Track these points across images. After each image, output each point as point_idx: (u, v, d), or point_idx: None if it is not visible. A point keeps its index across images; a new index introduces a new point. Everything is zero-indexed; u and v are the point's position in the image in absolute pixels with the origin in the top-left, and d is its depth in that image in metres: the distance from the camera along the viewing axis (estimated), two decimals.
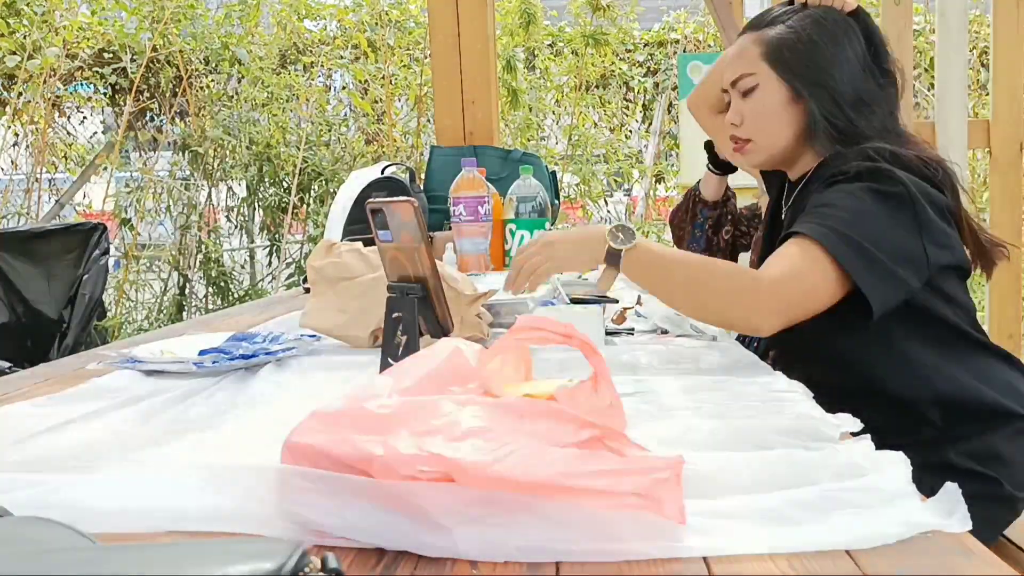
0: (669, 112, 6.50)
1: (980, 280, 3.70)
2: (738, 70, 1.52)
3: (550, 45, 6.40)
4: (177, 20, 5.44)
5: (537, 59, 6.22)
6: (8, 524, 0.57)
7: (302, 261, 5.62)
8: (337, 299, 1.56)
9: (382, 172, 2.79)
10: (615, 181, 6.39)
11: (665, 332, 1.66)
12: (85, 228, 4.48)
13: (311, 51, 5.94)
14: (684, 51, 6.34)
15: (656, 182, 6.64)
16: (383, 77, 5.77)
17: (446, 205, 2.33)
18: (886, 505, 0.72)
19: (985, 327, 2.33)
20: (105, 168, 5.60)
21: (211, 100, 5.72)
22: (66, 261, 4.40)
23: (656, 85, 6.51)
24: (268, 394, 1.24)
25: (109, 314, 4.91)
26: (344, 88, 6.10)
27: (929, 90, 5.22)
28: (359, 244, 1.61)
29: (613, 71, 6.37)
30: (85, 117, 6.17)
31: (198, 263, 5.67)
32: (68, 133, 6.11)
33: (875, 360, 1.44)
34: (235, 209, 5.96)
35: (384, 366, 1.20)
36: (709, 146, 2.10)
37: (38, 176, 5.65)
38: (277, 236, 5.76)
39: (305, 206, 5.74)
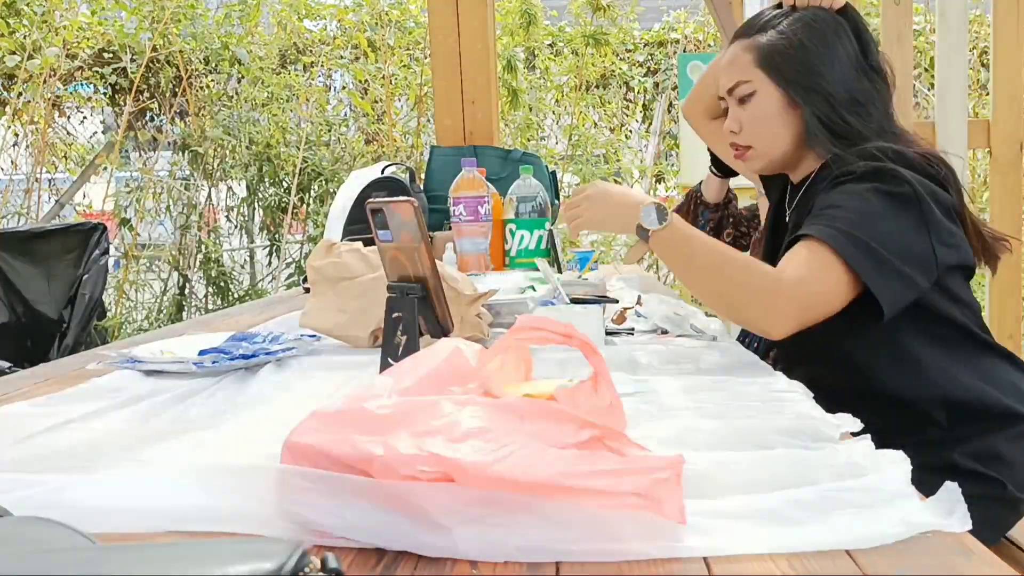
0: (669, 112, 6.50)
1: (981, 280, 3.71)
2: (733, 78, 1.53)
3: (550, 45, 6.40)
4: (177, 20, 5.44)
5: (537, 59, 6.22)
6: (8, 524, 0.57)
7: (302, 261, 5.63)
8: (337, 299, 1.56)
9: (382, 172, 2.79)
10: (615, 181, 6.38)
11: (665, 332, 1.66)
12: (85, 228, 4.48)
13: (311, 51, 5.95)
14: (684, 51, 6.34)
15: (656, 182, 6.64)
16: (383, 77, 5.77)
17: (446, 205, 2.33)
18: (886, 505, 0.72)
19: None
20: (105, 168, 5.60)
21: (211, 100, 5.72)
22: (66, 261, 4.40)
23: (656, 85, 6.51)
24: (268, 394, 1.24)
25: (109, 314, 4.91)
26: (344, 88, 6.10)
27: (929, 90, 5.22)
28: (359, 244, 1.61)
29: (613, 71, 6.37)
30: (85, 117, 6.17)
31: (198, 263, 5.68)
32: (68, 133, 6.12)
33: (881, 361, 1.44)
34: (235, 209, 5.96)
35: (384, 366, 1.20)
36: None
37: (38, 176, 5.66)
38: (277, 236, 5.77)
39: (305, 206, 5.75)
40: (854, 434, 0.93)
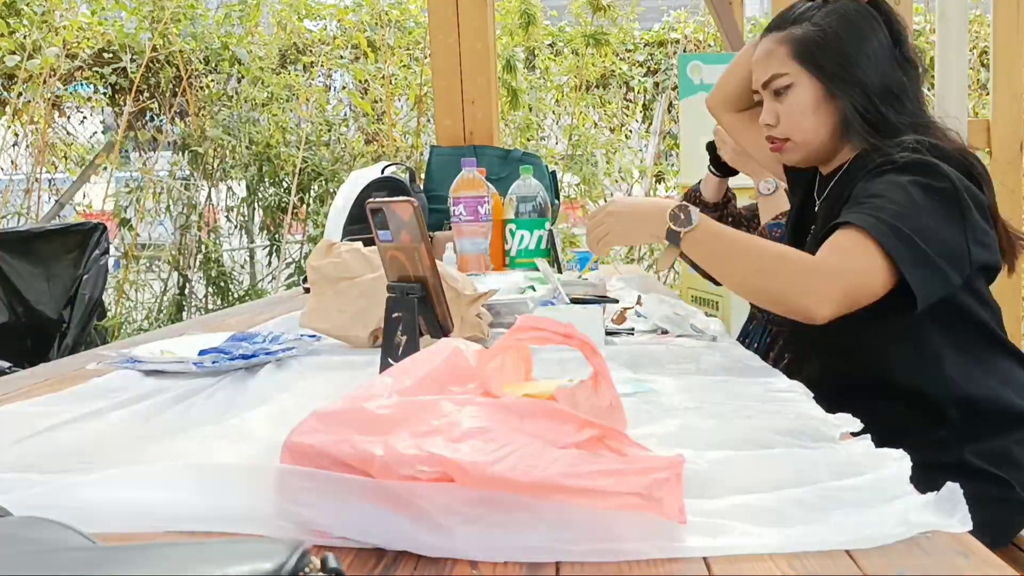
0: (669, 112, 6.50)
1: None
2: (769, 71, 1.53)
3: (550, 45, 6.40)
4: (177, 20, 5.44)
5: (537, 59, 6.22)
6: (8, 524, 0.57)
7: (302, 261, 5.62)
8: (337, 299, 1.56)
9: (382, 172, 2.79)
10: (615, 181, 6.39)
11: (665, 332, 1.66)
12: (85, 228, 4.48)
13: (311, 51, 5.94)
14: (684, 51, 6.34)
15: (656, 182, 6.64)
16: (383, 77, 5.77)
17: (446, 205, 2.33)
18: (886, 505, 0.72)
19: None
20: (105, 168, 5.60)
21: (211, 100, 5.72)
22: (66, 261, 4.40)
23: (656, 85, 6.51)
24: (268, 394, 1.24)
25: (109, 314, 4.91)
26: (344, 88, 6.10)
27: (929, 90, 5.22)
28: (359, 244, 1.61)
29: (613, 71, 6.37)
30: (85, 117, 6.16)
31: (198, 263, 5.67)
32: (68, 133, 6.11)
33: (901, 353, 1.45)
34: (235, 209, 5.96)
35: (384, 366, 1.20)
36: (711, 147, 2.10)
37: (38, 176, 5.65)
38: (277, 236, 5.77)
39: (305, 206, 5.74)
40: (854, 434, 0.93)
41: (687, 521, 0.68)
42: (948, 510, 0.70)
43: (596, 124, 6.45)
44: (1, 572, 0.48)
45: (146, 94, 5.72)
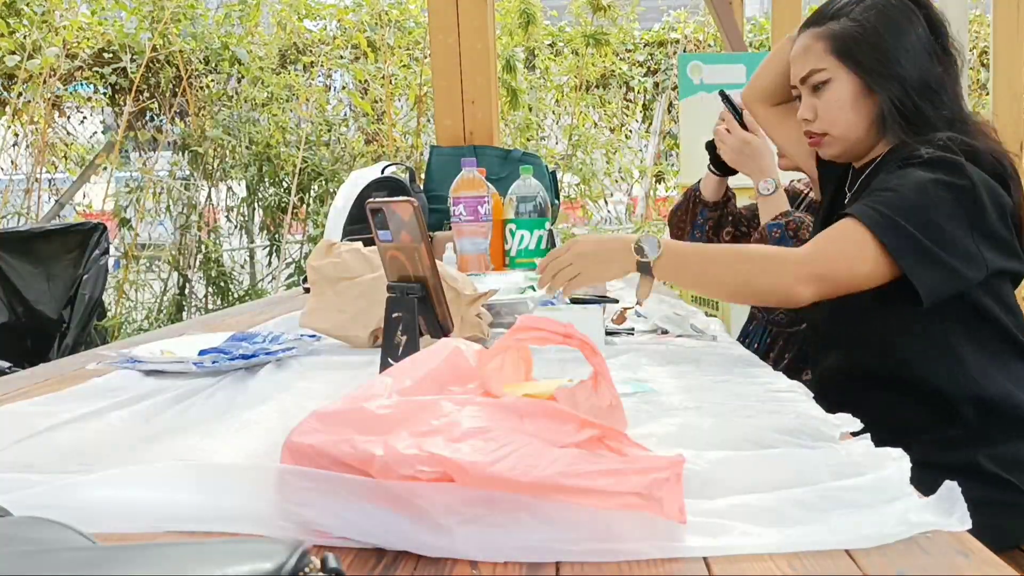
0: (669, 112, 6.50)
1: None
2: (807, 66, 1.53)
3: (550, 45, 6.40)
4: (177, 20, 5.44)
5: (537, 59, 6.22)
6: (8, 524, 0.57)
7: (302, 261, 5.63)
8: (337, 299, 1.56)
9: (382, 172, 2.79)
10: (615, 181, 6.39)
11: (665, 332, 1.66)
12: (85, 228, 4.48)
13: (311, 51, 5.95)
14: (684, 51, 6.34)
15: (656, 182, 6.64)
16: (383, 77, 5.77)
17: (446, 205, 2.33)
18: (886, 505, 0.72)
19: None
20: (105, 168, 5.60)
21: (211, 100, 5.72)
22: (66, 261, 4.40)
23: (656, 85, 6.51)
24: (268, 394, 1.24)
25: (109, 314, 4.91)
26: (344, 88, 6.10)
27: None
28: (359, 244, 1.61)
29: (613, 71, 6.38)
30: (85, 117, 6.17)
31: (198, 263, 5.68)
32: (68, 133, 6.12)
33: (919, 348, 1.45)
34: (235, 209, 5.96)
35: (384, 366, 1.20)
36: (710, 147, 2.10)
37: (38, 176, 5.66)
38: (277, 236, 5.77)
39: (305, 206, 5.75)
40: (854, 434, 0.93)
41: (687, 521, 0.68)
42: (947, 509, 0.70)
43: (596, 124, 6.45)
44: (1, 572, 0.48)
45: (146, 94, 5.72)
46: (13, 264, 4.25)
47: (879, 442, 0.85)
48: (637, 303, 1.52)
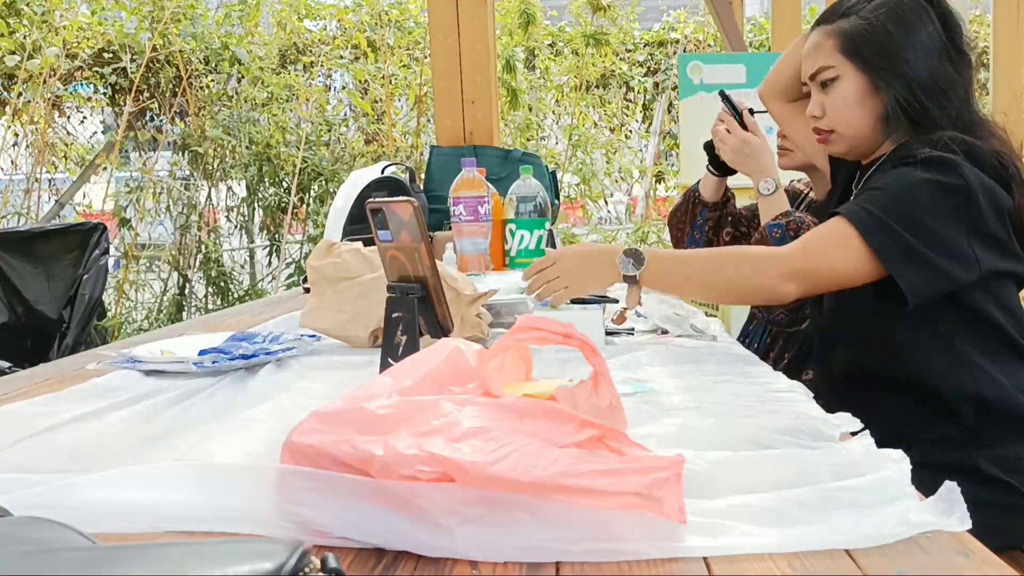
0: (669, 112, 6.50)
1: None
2: (816, 63, 1.54)
3: (550, 45, 6.40)
4: (177, 20, 5.44)
5: (537, 59, 6.22)
6: (8, 524, 0.57)
7: (302, 261, 5.62)
8: (337, 299, 1.56)
9: (382, 172, 2.79)
10: (615, 181, 6.39)
11: (665, 332, 1.66)
12: (85, 228, 4.48)
13: (311, 51, 5.94)
14: (684, 51, 6.34)
15: (656, 182, 6.64)
16: (383, 77, 5.77)
17: (446, 205, 2.33)
18: (886, 505, 0.72)
19: None
20: (105, 168, 5.60)
21: (211, 100, 5.72)
22: (66, 261, 4.40)
23: (656, 85, 6.51)
24: (268, 394, 1.24)
25: (109, 314, 4.91)
26: (344, 88, 6.10)
27: None
28: (359, 244, 1.61)
29: (613, 71, 6.38)
30: (85, 117, 6.16)
31: (198, 263, 5.67)
32: (68, 133, 6.11)
33: (920, 349, 1.45)
34: (235, 209, 5.96)
35: (384, 366, 1.20)
36: (709, 147, 2.10)
37: (38, 176, 5.65)
38: (277, 236, 5.77)
39: (305, 206, 5.75)
40: (854, 434, 0.93)
41: (687, 521, 0.68)
42: (947, 509, 0.70)
43: (596, 124, 6.45)
44: (1, 572, 0.48)
45: (146, 94, 5.72)
46: (13, 264, 4.25)
47: (879, 442, 0.85)
48: (626, 310, 1.53)
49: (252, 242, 6.01)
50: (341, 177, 5.28)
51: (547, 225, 2.31)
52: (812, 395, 1.13)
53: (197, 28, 5.56)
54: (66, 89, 5.76)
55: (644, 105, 6.58)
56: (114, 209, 5.55)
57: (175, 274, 5.66)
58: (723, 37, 4.84)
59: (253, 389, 1.27)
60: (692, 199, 2.16)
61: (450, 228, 2.28)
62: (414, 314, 1.21)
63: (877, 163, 1.54)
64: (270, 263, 5.89)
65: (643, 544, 0.66)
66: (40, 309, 4.31)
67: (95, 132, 6.22)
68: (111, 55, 5.63)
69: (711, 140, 2.10)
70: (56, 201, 5.85)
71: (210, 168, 5.71)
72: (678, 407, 1.09)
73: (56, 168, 6.05)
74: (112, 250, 4.98)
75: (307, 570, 0.48)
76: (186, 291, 5.68)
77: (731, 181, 2.16)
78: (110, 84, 5.73)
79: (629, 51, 6.47)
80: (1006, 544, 1.40)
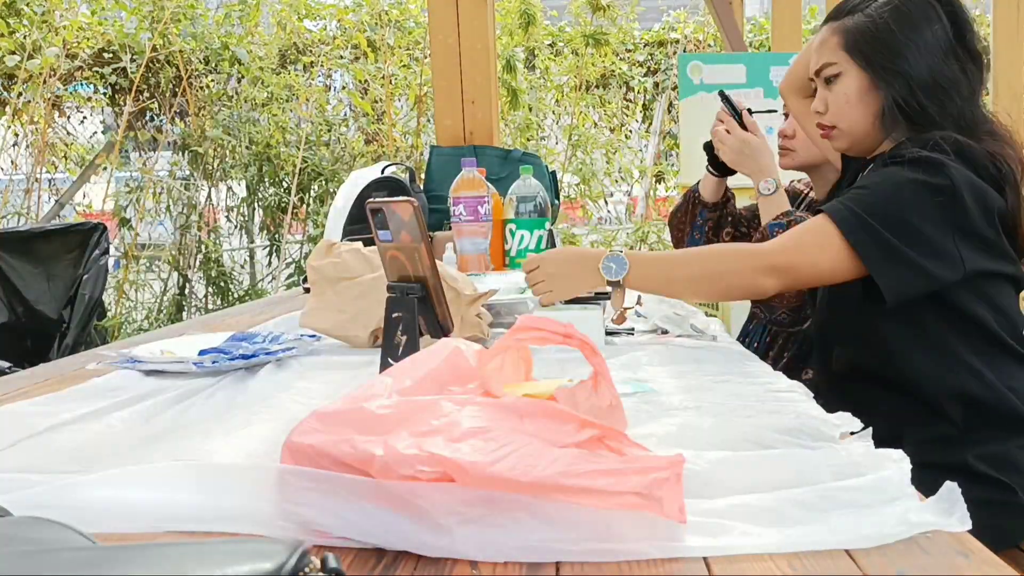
0: (669, 112, 6.50)
1: None
2: (820, 60, 1.56)
3: (550, 45, 6.40)
4: (177, 20, 5.44)
5: (537, 59, 6.22)
6: (8, 524, 0.57)
7: (302, 261, 5.62)
8: (337, 299, 1.56)
9: (382, 172, 2.79)
10: (615, 181, 6.39)
11: (665, 332, 1.66)
12: (85, 228, 4.48)
13: (311, 51, 5.94)
14: (684, 51, 6.34)
15: (656, 182, 6.64)
16: (383, 77, 5.77)
17: (446, 205, 2.33)
18: (886, 505, 0.72)
19: None
20: (105, 168, 5.60)
21: (211, 100, 5.72)
22: (66, 261, 4.40)
23: (656, 85, 6.51)
24: (268, 394, 1.24)
25: (109, 314, 4.91)
26: (344, 88, 6.10)
27: None
28: (359, 244, 1.61)
29: (613, 71, 6.38)
30: (85, 117, 6.16)
31: (198, 263, 5.68)
32: (68, 133, 6.11)
33: (908, 347, 1.46)
34: (235, 209, 5.96)
35: (384, 366, 1.20)
36: (708, 147, 2.10)
37: (38, 176, 5.65)
38: (277, 236, 5.77)
39: (305, 206, 5.75)
40: (853, 434, 0.93)
41: (687, 521, 0.68)
42: (947, 510, 0.70)
43: (596, 124, 6.45)
44: (1, 572, 0.48)
45: (146, 94, 5.72)
46: (13, 264, 4.25)
47: (876, 440, 0.86)
48: (626, 309, 1.54)
49: (252, 242, 6.01)
50: (341, 177, 5.28)
51: (547, 225, 2.32)
52: (812, 395, 1.13)
53: (197, 28, 5.56)
54: (66, 89, 5.76)
55: (644, 105, 6.58)
56: (114, 209, 5.55)
57: (175, 274, 5.66)
58: (723, 37, 4.83)
59: (253, 389, 1.27)
60: (692, 200, 2.16)
61: (450, 228, 2.28)
62: (414, 314, 1.21)
63: (872, 162, 1.54)
64: (270, 263, 5.89)
65: (643, 544, 0.66)
66: (40, 309, 4.31)
67: (95, 132, 6.22)
68: (111, 55, 5.63)
69: (711, 140, 2.10)
70: (56, 201, 5.85)
71: (210, 168, 5.71)
72: (678, 407, 1.09)
73: (56, 168, 6.05)
74: (112, 250, 4.98)
75: (307, 570, 0.48)
76: (186, 291, 5.68)
77: (731, 181, 2.16)
78: (110, 84, 5.72)
79: (629, 51, 6.46)
80: (1005, 543, 1.40)
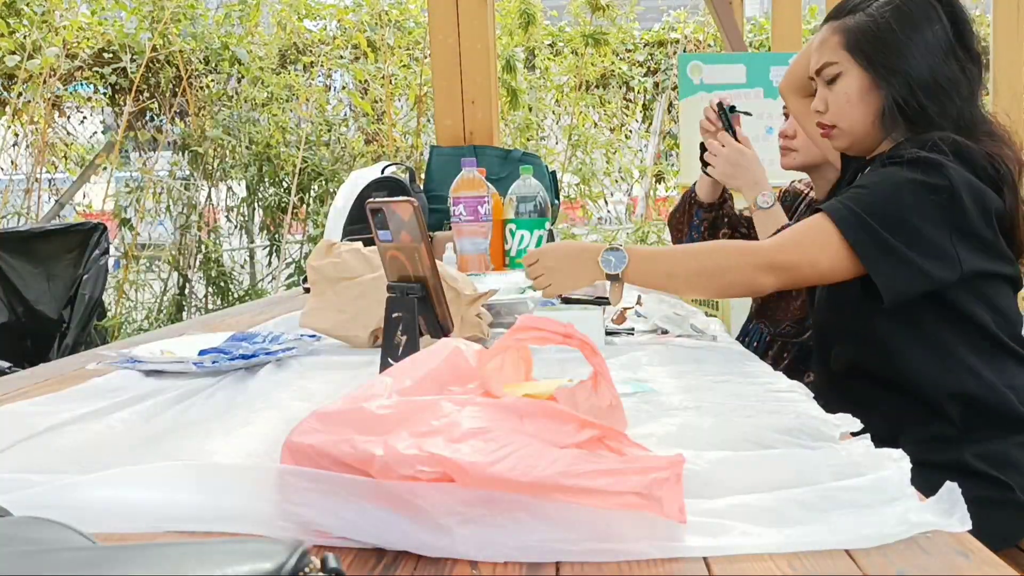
0: (669, 112, 6.50)
1: None
2: (821, 59, 1.56)
3: (550, 45, 6.40)
4: (177, 20, 5.44)
5: (537, 59, 6.22)
6: (8, 524, 0.57)
7: (302, 261, 5.62)
8: (337, 299, 1.56)
9: (382, 172, 2.79)
10: (615, 181, 6.39)
11: (665, 332, 1.66)
12: (85, 228, 4.48)
13: (311, 51, 5.95)
14: (684, 51, 6.34)
15: (656, 182, 6.64)
16: (383, 77, 5.77)
17: (446, 205, 2.33)
18: (886, 505, 0.72)
19: None
20: (105, 168, 5.60)
21: (211, 100, 5.72)
22: (66, 261, 4.40)
23: (656, 85, 6.51)
24: (268, 394, 1.24)
25: (109, 314, 4.91)
26: (344, 88, 6.10)
27: None
28: (359, 244, 1.61)
29: (613, 71, 6.38)
30: (85, 117, 6.16)
31: (198, 263, 5.67)
32: (68, 133, 6.11)
33: (906, 347, 1.46)
34: (235, 209, 5.96)
35: (384, 366, 1.20)
36: (703, 147, 2.10)
37: (38, 176, 5.65)
38: (277, 236, 5.77)
39: (305, 206, 5.75)
40: (854, 434, 0.93)
41: (687, 521, 0.68)
42: (947, 510, 0.70)
43: (596, 124, 6.45)
44: (1, 572, 0.48)
45: (146, 94, 5.72)
46: (13, 264, 4.25)
47: (875, 439, 0.86)
48: (626, 309, 1.54)
49: (252, 242, 6.01)
50: (341, 177, 5.28)
51: (547, 225, 2.32)
52: (812, 395, 1.13)
53: (197, 28, 5.56)
54: (66, 89, 5.76)
55: (644, 105, 6.58)
56: (114, 209, 5.55)
57: (175, 274, 5.66)
58: (723, 37, 4.84)
59: (253, 389, 1.27)
60: (689, 200, 2.16)
61: (450, 228, 2.28)
62: (414, 314, 1.21)
63: (871, 162, 1.55)
64: (270, 263, 5.89)
65: (643, 544, 0.66)
66: (40, 309, 4.31)
67: (95, 132, 6.22)
68: (111, 55, 5.63)
69: (703, 141, 2.10)
70: (56, 201, 5.85)
71: (210, 168, 5.71)
72: (678, 407, 1.09)
73: (56, 168, 6.05)
74: (112, 250, 4.98)
75: (307, 570, 0.48)
76: (186, 291, 5.68)
77: None
78: (110, 84, 5.73)
79: (629, 51, 6.47)
80: (1004, 542, 1.40)
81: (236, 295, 5.70)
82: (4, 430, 1.05)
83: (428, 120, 5.69)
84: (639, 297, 1.83)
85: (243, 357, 1.39)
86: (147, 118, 5.90)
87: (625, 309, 1.74)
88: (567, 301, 1.65)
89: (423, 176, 3.26)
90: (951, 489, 0.71)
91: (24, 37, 5.30)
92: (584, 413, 0.75)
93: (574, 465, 0.66)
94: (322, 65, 5.87)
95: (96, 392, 1.27)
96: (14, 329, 4.22)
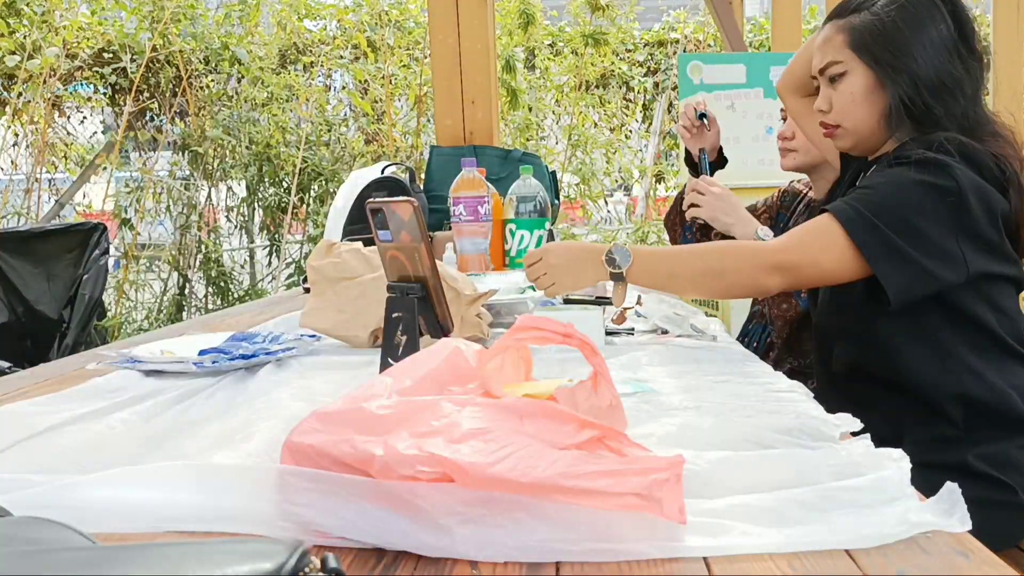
0: (669, 112, 6.50)
1: None
2: (825, 58, 1.55)
3: (550, 45, 6.40)
4: (177, 20, 5.44)
5: (537, 59, 6.22)
6: (8, 524, 0.57)
7: (302, 261, 5.62)
8: (337, 299, 1.56)
9: (382, 172, 2.80)
10: (615, 181, 6.40)
11: (665, 332, 1.66)
12: (85, 228, 4.48)
13: (311, 51, 5.95)
14: (684, 51, 6.34)
15: (656, 182, 6.64)
16: (383, 77, 5.77)
17: (446, 205, 2.33)
18: (886, 505, 0.72)
19: None
20: (105, 168, 5.60)
21: (211, 100, 5.72)
22: (66, 261, 4.40)
23: (656, 85, 6.51)
24: (268, 394, 1.24)
25: (109, 314, 4.91)
26: (344, 88, 6.10)
27: None
28: (359, 244, 1.61)
29: (613, 71, 6.38)
30: (85, 117, 6.16)
31: (198, 263, 5.68)
32: (68, 133, 6.11)
33: (909, 347, 1.46)
34: (235, 209, 5.96)
35: (384, 366, 1.20)
36: (687, 155, 2.14)
37: (38, 176, 5.65)
38: (277, 236, 5.77)
39: (305, 206, 5.75)
40: (854, 434, 0.93)
41: (687, 521, 0.68)
42: (947, 510, 0.70)
43: (596, 124, 6.45)
44: (1, 572, 0.48)
45: (146, 94, 5.72)
46: (13, 264, 4.25)
47: (876, 440, 0.86)
48: (626, 309, 1.54)
49: (252, 242, 6.01)
50: (341, 177, 5.28)
51: (547, 225, 2.32)
52: (812, 395, 1.13)
53: (197, 28, 5.56)
54: (66, 89, 5.76)
55: (644, 105, 6.58)
56: (114, 209, 5.55)
57: (175, 274, 5.66)
58: (723, 37, 4.84)
59: (253, 389, 1.27)
60: (680, 199, 2.17)
61: (450, 228, 2.28)
62: (414, 314, 1.21)
63: (876, 162, 1.54)
64: (270, 263, 5.89)
65: (643, 544, 0.66)
66: (40, 309, 4.31)
67: (95, 132, 6.22)
68: (111, 55, 5.63)
69: (689, 152, 2.14)
70: (56, 201, 5.85)
71: (210, 168, 5.71)
72: (678, 407, 1.09)
73: (56, 168, 6.05)
74: (112, 250, 4.98)
75: (307, 570, 0.48)
76: (186, 291, 5.68)
77: (725, 182, 2.16)
78: (110, 84, 5.73)
79: (629, 51, 6.47)
80: (1004, 542, 1.40)
81: (236, 295, 5.70)
82: (4, 430, 1.05)
83: (428, 120, 5.69)
84: (639, 297, 1.83)
85: (243, 357, 1.39)
86: (147, 118, 5.90)
87: (625, 309, 1.74)
88: (568, 301, 1.65)
89: (423, 176, 3.26)
90: (951, 489, 0.71)
91: (24, 37, 5.30)
92: (584, 413, 0.75)
93: (574, 466, 0.66)
94: (322, 65, 5.87)
95: (96, 392, 1.27)
96: (14, 329, 4.22)
